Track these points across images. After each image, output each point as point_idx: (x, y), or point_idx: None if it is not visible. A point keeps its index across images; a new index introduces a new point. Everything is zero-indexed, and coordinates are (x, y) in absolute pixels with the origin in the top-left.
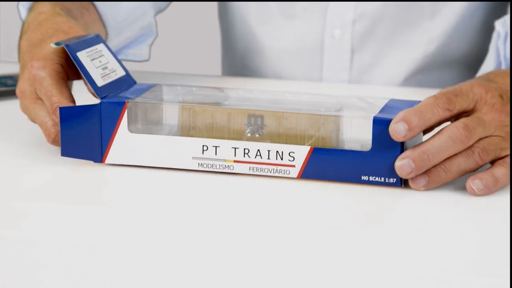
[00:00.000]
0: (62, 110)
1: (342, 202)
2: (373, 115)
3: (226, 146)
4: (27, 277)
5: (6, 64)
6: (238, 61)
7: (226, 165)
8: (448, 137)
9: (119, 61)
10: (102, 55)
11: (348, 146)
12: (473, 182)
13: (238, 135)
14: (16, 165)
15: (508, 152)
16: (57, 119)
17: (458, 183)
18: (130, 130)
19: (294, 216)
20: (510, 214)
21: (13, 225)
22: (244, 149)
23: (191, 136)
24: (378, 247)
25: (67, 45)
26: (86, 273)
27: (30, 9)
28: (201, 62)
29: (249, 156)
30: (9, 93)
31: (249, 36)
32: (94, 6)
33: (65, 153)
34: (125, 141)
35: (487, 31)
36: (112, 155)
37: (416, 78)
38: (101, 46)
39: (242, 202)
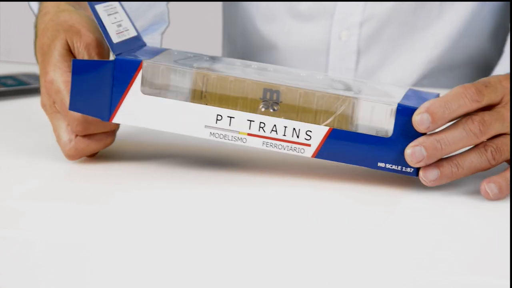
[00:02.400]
0: (75, 62)
1: (344, 194)
2: (396, 101)
3: (241, 118)
4: (26, 277)
5: (6, 64)
6: (240, 57)
7: (239, 137)
8: (463, 129)
9: (132, 21)
10: (117, 12)
11: (362, 130)
12: (488, 186)
13: (252, 109)
14: (16, 165)
15: None
16: (74, 133)
17: (458, 183)
18: (143, 92)
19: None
20: (510, 214)
21: (12, 225)
22: (260, 122)
23: (203, 104)
24: (378, 247)
25: None
26: (86, 273)
27: (38, 9)
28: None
29: (264, 131)
30: (9, 93)
31: (253, 32)
32: None
33: (73, 107)
34: (136, 102)
35: (496, 35)
36: (121, 114)
37: (422, 83)
38: (116, 4)
39: (248, 178)
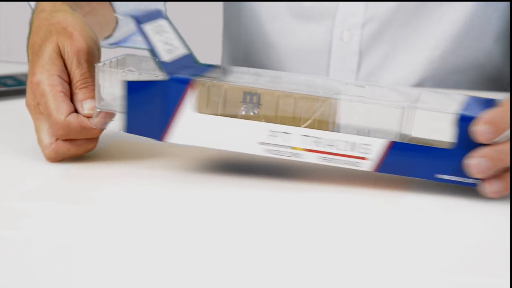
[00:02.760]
0: (130, 83)
1: (344, 194)
2: (374, 101)
3: (295, 133)
4: (26, 277)
5: (6, 64)
6: (240, 55)
7: (294, 153)
8: None
9: (182, 38)
10: (165, 30)
11: (344, 131)
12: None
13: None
14: (16, 165)
15: None
16: (56, 136)
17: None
18: (194, 110)
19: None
20: (510, 214)
21: (12, 225)
22: (315, 137)
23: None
24: (377, 247)
25: (132, 16)
26: (86, 273)
27: (35, 5)
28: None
29: (319, 145)
30: (9, 93)
31: (255, 31)
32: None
33: (130, 129)
34: (187, 120)
35: (502, 39)
36: (172, 133)
37: (424, 84)
38: (164, 22)
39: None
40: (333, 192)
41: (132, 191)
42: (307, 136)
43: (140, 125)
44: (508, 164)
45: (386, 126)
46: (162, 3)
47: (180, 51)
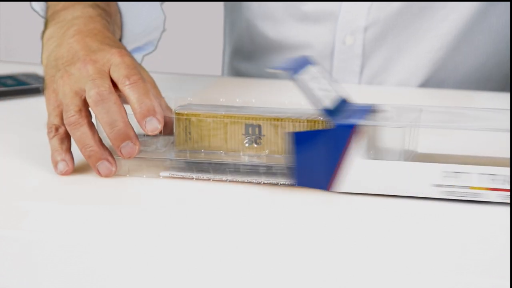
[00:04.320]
0: (297, 135)
1: (350, 199)
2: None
3: (471, 171)
4: (27, 277)
5: (6, 64)
6: (242, 60)
7: (474, 193)
8: None
9: (335, 83)
10: (317, 76)
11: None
12: None
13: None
14: (16, 165)
15: None
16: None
17: None
18: (361, 156)
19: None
20: (510, 214)
21: (13, 225)
22: (493, 174)
23: (190, 149)
24: (377, 247)
25: (285, 68)
26: (87, 273)
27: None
28: (201, 63)
29: (496, 182)
30: (9, 93)
31: (258, 34)
32: (120, 16)
33: (299, 182)
34: (356, 168)
35: (505, 40)
36: (340, 182)
37: (427, 84)
38: (313, 67)
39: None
40: (331, 193)
41: (132, 191)
42: (483, 173)
43: (307, 176)
44: None
45: (390, 145)
46: (160, 10)
47: (336, 94)
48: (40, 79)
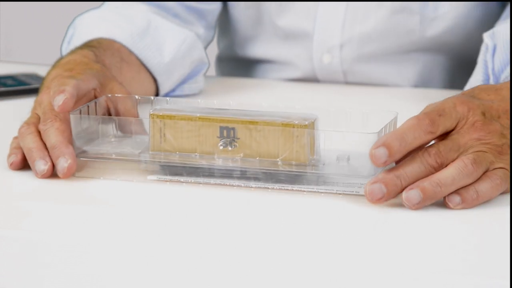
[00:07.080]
0: None
1: (344, 207)
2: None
3: None
4: (27, 277)
5: (6, 64)
6: (237, 68)
7: None
8: (421, 162)
9: None
10: None
11: (324, 157)
12: (450, 197)
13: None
14: None
15: (498, 165)
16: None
17: None
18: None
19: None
20: (510, 214)
21: (13, 225)
22: None
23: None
24: (377, 247)
25: None
26: (87, 273)
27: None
28: None
29: None
30: (9, 93)
31: (244, 47)
32: (135, 55)
33: None
34: None
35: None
36: None
37: (421, 84)
38: None
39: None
40: (330, 193)
41: (132, 191)
42: None
43: None
44: (404, 187)
45: (364, 149)
46: (201, 48)
47: None
48: (40, 79)
